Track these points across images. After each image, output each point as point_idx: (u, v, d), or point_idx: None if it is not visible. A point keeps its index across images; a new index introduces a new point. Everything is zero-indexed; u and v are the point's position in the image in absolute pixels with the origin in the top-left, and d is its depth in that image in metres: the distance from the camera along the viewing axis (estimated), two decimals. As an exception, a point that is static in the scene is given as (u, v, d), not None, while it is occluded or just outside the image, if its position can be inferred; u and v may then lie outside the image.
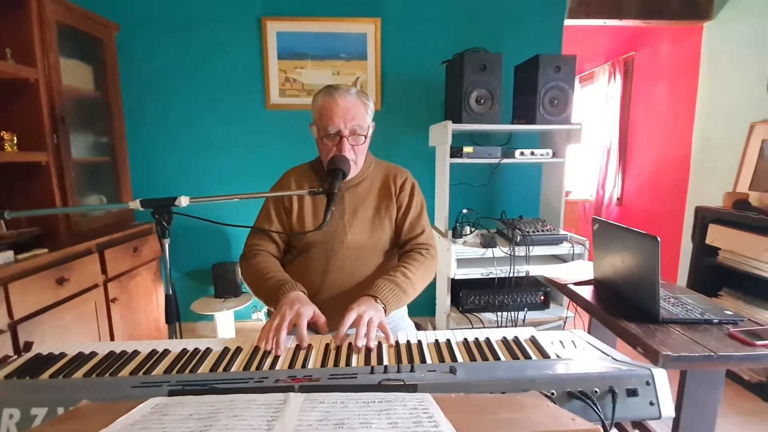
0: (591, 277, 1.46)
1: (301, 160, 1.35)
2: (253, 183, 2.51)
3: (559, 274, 1.55)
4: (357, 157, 1.20)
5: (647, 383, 0.71)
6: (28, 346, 1.47)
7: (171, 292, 1.06)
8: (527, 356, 0.84)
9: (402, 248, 1.29)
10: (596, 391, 0.69)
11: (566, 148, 2.03)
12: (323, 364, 0.83)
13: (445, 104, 2.21)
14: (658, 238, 1.05)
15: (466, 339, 0.92)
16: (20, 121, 1.71)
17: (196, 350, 0.89)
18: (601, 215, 3.45)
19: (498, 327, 1.91)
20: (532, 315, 1.95)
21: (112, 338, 1.98)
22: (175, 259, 2.58)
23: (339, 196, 1.22)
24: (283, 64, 2.42)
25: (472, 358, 0.84)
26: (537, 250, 1.89)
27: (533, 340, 0.91)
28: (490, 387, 0.69)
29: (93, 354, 0.88)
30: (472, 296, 1.97)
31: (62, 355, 0.88)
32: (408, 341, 0.92)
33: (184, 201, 1.01)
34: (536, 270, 1.57)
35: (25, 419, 0.66)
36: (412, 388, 0.66)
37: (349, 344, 0.90)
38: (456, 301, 2.01)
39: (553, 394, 0.69)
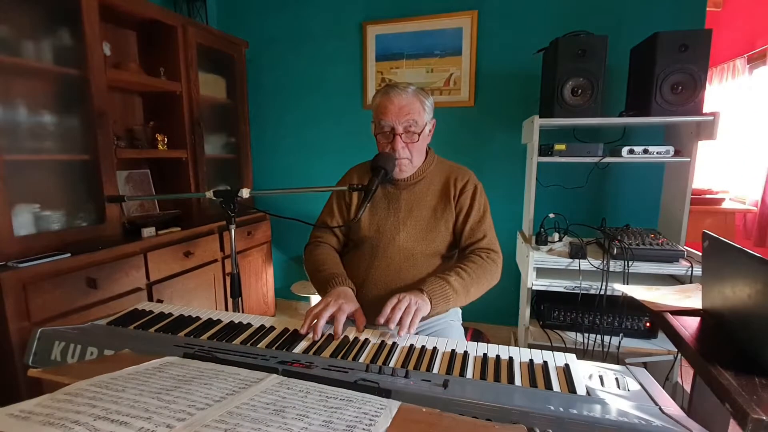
0: (699, 306, 1.17)
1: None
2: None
3: (659, 298, 1.28)
4: (412, 155, 1.19)
5: (683, 449, 0.55)
6: (159, 302, 1.87)
7: (235, 272, 1.22)
8: (549, 386, 0.73)
9: (463, 252, 1.24)
10: (605, 443, 0.57)
11: (695, 145, 1.63)
12: (334, 354, 0.86)
13: (540, 97, 2.00)
14: (777, 266, 0.79)
15: (485, 354, 0.85)
16: (169, 126, 2.15)
17: (240, 324, 1.02)
18: (767, 231, 2.68)
19: (583, 350, 1.67)
20: (632, 343, 1.63)
21: (225, 306, 2.35)
22: (282, 245, 2.93)
23: (396, 194, 1.23)
24: (381, 66, 2.51)
25: (483, 376, 0.77)
26: (643, 267, 1.58)
27: (565, 370, 0.79)
28: (474, 410, 0.63)
29: (169, 315, 1.08)
30: (555, 311, 1.75)
31: (150, 312, 1.10)
32: (423, 346, 0.89)
33: (245, 193, 1.16)
34: (631, 290, 1.31)
35: (99, 356, 0.85)
36: (385, 393, 0.65)
37: (382, 341, 0.91)
38: (538, 315, 1.82)
39: (548, 433, 0.59)
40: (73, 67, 1.62)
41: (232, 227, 1.19)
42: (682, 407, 1.74)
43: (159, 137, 2.12)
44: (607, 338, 1.66)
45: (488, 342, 1.65)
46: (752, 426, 0.70)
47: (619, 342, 1.63)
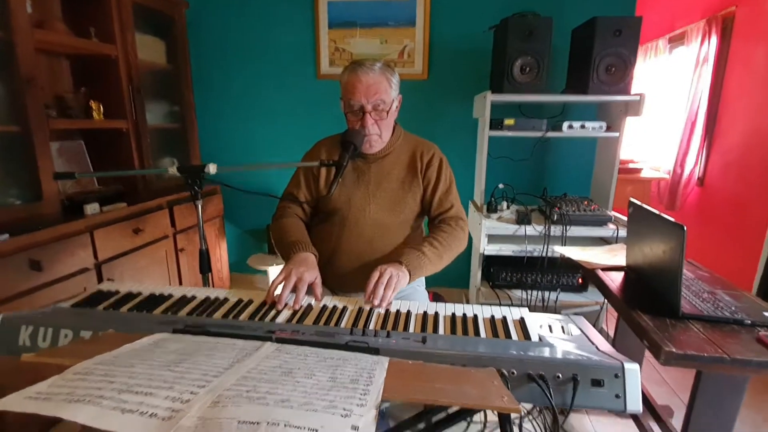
0: (624, 263, 1.37)
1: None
2: (304, 149, 2.65)
3: (591, 258, 1.47)
4: (381, 131, 1.23)
5: (616, 376, 0.69)
6: (109, 282, 1.79)
7: (204, 248, 1.22)
8: (508, 336, 0.86)
9: (432, 222, 1.32)
10: (558, 377, 0.70)
11: (623, 122, 1.84)
12: (316, 322, 0.92)
13: (490, 73, 2.10)
14: (684, 228, 0.96)
15: (453, 314, 0.95)
16: (105, 93, 1.97)
17: (216, 299, 1.04)
18: (677, 197, 3.09)
19: (528, 305, 1.88)
20: (567, 297, 1.88)
21: (180, 282, 2.29)
22: (235, 218, 2.87)
23: (365, 167, 1.28)
24: (334, 34, 2.45)
25: (453, 331, 0.88)
26: (578, 231, 1.79)
27: (521, 322, 0.92)
28: (451, 359, 0.73)
29: (139, 294, 1.06)
30: (503, 272, 1.94)
31: (117, 292, 1.07)
32: (398, 309, 0.98)
33: (212, 168, 1.14)
34: (568, 251, 1.50)
35: (75, 338, 0.84)
36: (374, 351, 0.73)
37: (371, 309, 0.97)
38: (488, 276, 2.00)
39: (513, 373, 0.71)
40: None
41: (199, 203, 1.18)
42: (605, 348, 1.99)
43: (93, 105, 1.94)
44: (547, 293, 1.87)
45: (468, 302, 1.79)
46: (664, 357, 0.88)
47: (557, 296, 1.85)
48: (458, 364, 0.72)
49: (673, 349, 0.88)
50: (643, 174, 3.24)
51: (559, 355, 0.73)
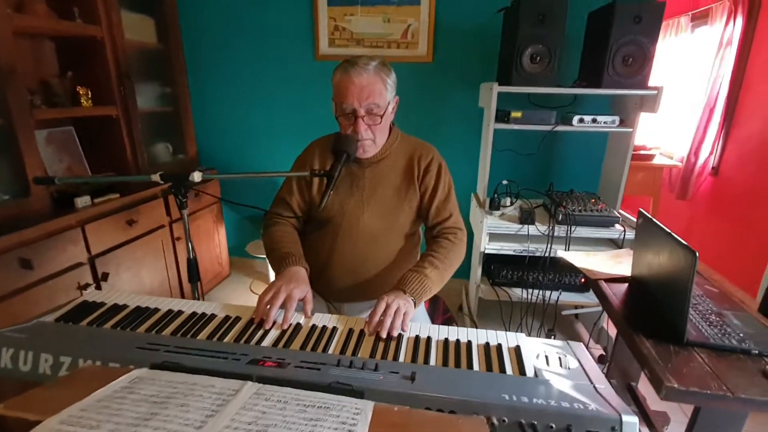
0: (629, 274, 1.32)
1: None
2: (304, 134, 2.56)
3: (595, 265, 1.42)
4: (375, 136, 1.15)
5: (612, 429, 0.65)
6: (105, 276, 1.77)
7: (192, 256, 1.18)
8: (503, 369, 0.82)
9: (430, 232, 1.26)
10: (551, 426, 0.67)
11: (637, 116, 1.73)
12: (303, 347, 0.89)
13: (498, 60, 1.97)
14: (697, 254, 0.90)
15: (447, 339, 0.92)
16: (91, 77, 1.89)
17: (203, 315, 1.00)
18: (689, 186, 2.99)
19: (527, 303, 1.85)
20: (568, 297, 1.84)
21: (178, 270, 2.28)
22: (235, 207, 2.82)
23: (359, 173, 1.21)
24: (333, 11, 2.31)
25: (445, 361, 0.84)
26: (584, 232, 1.72)
27: (516, 351, 0.88)
28: (441, 403, 0.70)
29: (125, 306, 1.03)
30: (504, 270, 1.90)
31: (102, 304, 1.04)
32: (388, 333, 0.94)
33: (197, 177, 1.08)
34: (572, 257, 1.44)
35: (55, 365, 0.81)
36: (359, 395, 0.69)
37: (350, 329, 0.94)
38: (488, 273, 1.96)
39: (504, 421, 0.68)
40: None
41: (185, 212, 1.12)
42: (605, 349, 1.99)
43: (81, 91, 1.86)
44: (548, 293, 1.84)
45: (444, 304, 1.77)
46: (665, 392, 0.84)
47: (558, 296, 1.82)
48: (447, 409, 0.69)
49: (675, 385, 0.84)
50: (655, 161, 3.12)
51: (553, 401, 0.70)
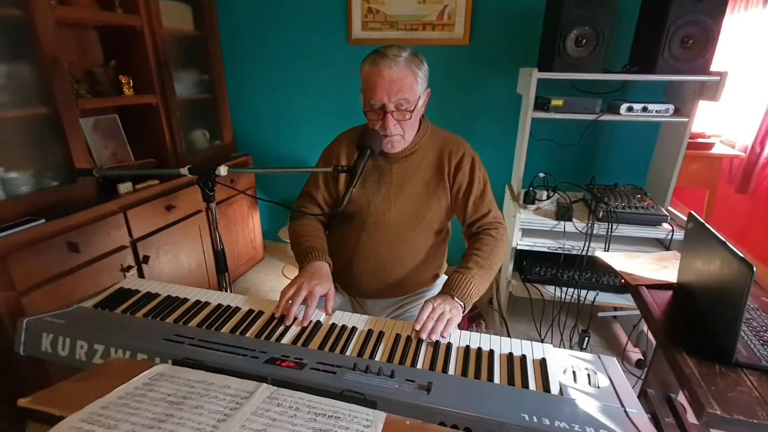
0: (674, 279, 1.22)
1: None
2: (338, 120, 2.55)
3: (637, 269, 1.32)
4: (404, 131, 1.11)
5: (640, 460, 0.61)
6: (146, 258, 1.87)
7: (219, 248, 1.21)
8: (525, 383, 0.78)
9: (469, 230, 1.21)
10: (572, 453, 0.63)
11: (695, 105, 1.57)
12: (322, 346, 0.89)
13: (540, 42, 1.84)
14: (754, 269, 0.81)
15: (468, 347, 0.88)
16: (132, 66, 1.95)
17: (228, 307, 1.03)
18: (752, 179, 2.71)
19: (560, 303, 1.77)
20: (606, 298, 1.74)
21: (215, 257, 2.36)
22: (267, 189, 2.88)
23: (387, 167, 1.18)
24: (366, -7, 2.24)
25: (464, 371, 0.81)
26: (627, 230, 1.60)
27: (542, 363, 0.83)
28: (456, 419, 0.68)
29: (157, 295, 1.08)
30: (537, 267, 1.82)
31: (137, 291, 1.09)
32: (408, 336, 0.92)
33: (222, 170, 1.09)
34: (611, 258, 1.35)
35: (90, 352, 0.86)
36: (372, 404, 0.68)
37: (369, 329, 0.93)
38: (519, 269, 1.88)
39: (520, 443, 0.64)
40: (11, 6, 1.40)
41: (213, 205, 1.14)
42: (644, 354, 1.88)
43: (123, 80, 1.93)
44: (584, 292, 1.74)
45: (497, 288, 1.70)
46: (706, 418, 0.77)
47: (595, 297, 1.72)
48: (462, 426, 0.67)
49: (718, 412, 0.77)
50: (715, 150, 2.84)
51: (577, 426, 0.65)
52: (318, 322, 0.97)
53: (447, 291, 1.03)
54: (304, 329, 0.94)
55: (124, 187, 1.80)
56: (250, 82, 2.63)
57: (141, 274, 1.84)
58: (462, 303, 1.00)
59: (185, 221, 2.11)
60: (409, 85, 1.03)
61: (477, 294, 1.05)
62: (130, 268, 1.77)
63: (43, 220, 1.43)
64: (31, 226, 1.40)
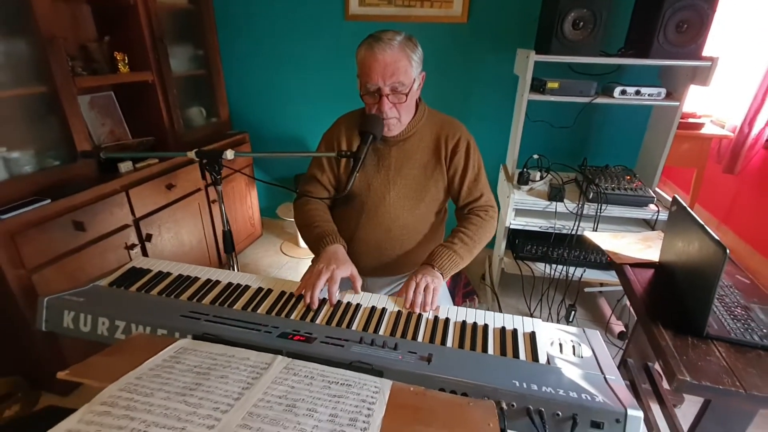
0: (657, 259, 1.30)
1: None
2: (334, 96, 2.55)
3: (622, 248, 1.40)
4: (401, 114, 1.14)
5: (617, 421, 0.69)
6: (149, 237, 1.91)
7: (227, 228, 1.25)
8: (516, 354, 0.86)
9: (461, 211, 1.28)
10: (558, 414, 0.71)
11: (687, 89, 1.61)
12: (329, 322, 0.95)
13: (538, 23, 1.84)
14: (727, 250, 0.88)
15: (464, 321, 0.96)
16: (126, 42, 1.93)
17: (238, 285, 1.08)
18: (739, 159, 2.78)
19: (550, 279, 1.86)
20: (593, 274, 1.83)
21: (214, 231, 2.40)
22: (265, 167, 2.90)
23: (386, 151, 1.22)
24: (364, -33, 2.20)
25: (461, 343, 0.89)
26: (615, 211, 1.68)
27: (531, 337, 0.91)
28: (454, 385, 0.75)
29: (168, 274, 1.13)
30: (528, 245, 1.90)
31: (149, 270, 1.14)
32: (409, 313, 0.99)
33: (229, 154, 1.13)
34: (598, 238, 1.42)
35: (111, 328, 0.92)
36: (379, 373, 0.75)
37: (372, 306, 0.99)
38: (512, 247, 1.96)
39: (513, 406, 0.72)
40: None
41: (220, 188, 1.18)
42: (626, 326, 1.99)
43: (118, 56, 1.91)
44: (572, 269, 1.83)
45: (465, 277, 1.80)
46: (676, 384, 0.86)
47: (582, 273, 1.81)
48: (459, 392, 0.75)
49: (687, 378, 0.86)
50: (704, 130, 2.90)
51: (562, 391, 0.73)
52: (324, 300, 1.02)
53: (428, 261, 1.11)
54: (308, 308, 1.00)
55: (125, 166, 1.82)
56: (245, 56, 2.60)
57: (144, 252, 1.88)
58: (441, 272, 1.09)
59: (185, 200, 2.14)
60: (404, 69, 1.06)
61: (456, 268, 1.13)
62: (134, 246, 1.81)
63: (48, 200, 1.46)
64: (37, 206, 1.42)
